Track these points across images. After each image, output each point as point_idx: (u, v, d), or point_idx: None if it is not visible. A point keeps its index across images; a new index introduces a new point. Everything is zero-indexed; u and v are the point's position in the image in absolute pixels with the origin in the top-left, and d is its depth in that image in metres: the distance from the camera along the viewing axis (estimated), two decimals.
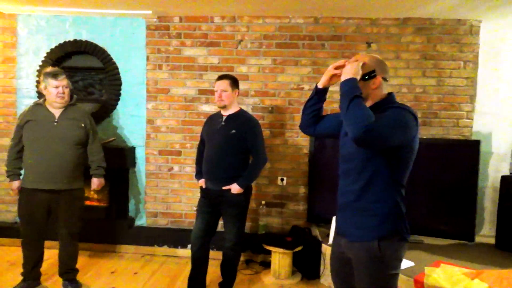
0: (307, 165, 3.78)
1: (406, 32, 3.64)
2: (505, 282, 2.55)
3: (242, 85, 3.76)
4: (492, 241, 3.40)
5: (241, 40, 3.80)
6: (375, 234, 1.69)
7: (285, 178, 3.85)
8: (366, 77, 1.69)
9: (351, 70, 1.67)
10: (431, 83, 3.65)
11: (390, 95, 1.76)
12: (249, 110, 3.79)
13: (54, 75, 2.82)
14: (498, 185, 3.41)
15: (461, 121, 3.65)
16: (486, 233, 3.65)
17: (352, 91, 1.61)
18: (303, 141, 3.81)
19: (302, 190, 3.85)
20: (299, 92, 3.78)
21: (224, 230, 2.96)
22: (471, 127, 3.64)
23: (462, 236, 3.30)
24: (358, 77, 1.66)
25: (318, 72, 3.74)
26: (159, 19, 3.84)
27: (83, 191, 3.09)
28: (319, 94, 1.94)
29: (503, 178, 3.31)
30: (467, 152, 3.31)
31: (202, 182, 2.98)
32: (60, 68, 3.52)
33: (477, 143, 3.27)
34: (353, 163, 1.75)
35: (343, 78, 1.67)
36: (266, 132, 3.80)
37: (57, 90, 2.82)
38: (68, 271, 3.04)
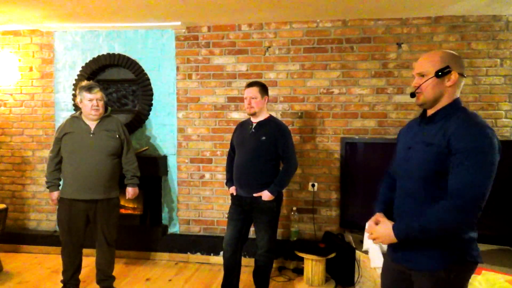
0: (338, 170, 3.73)
1: (438, 31, 3.53)
2: None
3: (271, 92, 3.76)
4: None
5: (269, 47, 3.81)
6: (441, 263, 1.53)
7: (316, 184, 3.81)
8: (440, 73, 1.55)
9: (383, 234, 1.59)
10: (466, 83, 3.52)
11: (458, 100, 1.60)
12: (278, 116, 3.79)
13: (89, 89, 2.93)
14: None
15: (499, 121, 3.50)
16: None
17: (408, 234, 1.53)
18: (334, 145, 3.76)
19: (334, 195, 3.80)
20: (328, 96, 3.74)
21: (256, 237, 2.95)
22: (511, 127, 3.48)
23: (504, 241, 3.15)
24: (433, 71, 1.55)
25: (347, 76, 3.70)
26: (188, 30, 3.92)
27: (119, 200, 3.17)
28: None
29: None
30: (508, 153, 3.15)
31: (233, 189, 2.99)
32: (94, 82, 3.67)
33: None
34: (417, 182, 1.59)
35: (386, 241, 1.59)
36: (296, 138, 3.78)
37: (91, 103, 2.92)
38: (105, 278, 3.12)
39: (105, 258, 3.11)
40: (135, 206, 4.04)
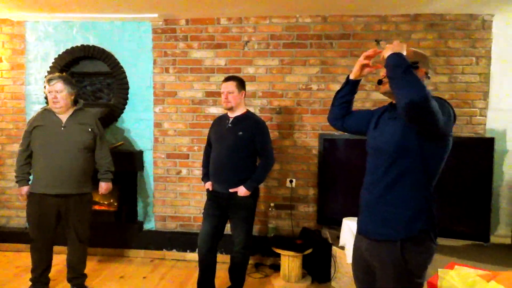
0: (316, 166, 3.73)
1: (417, 29, 3.56)
2: None
3: (250, 87, 3.73)
4: (508, 241, 3.31)
5: (248, 41, 3.77)
6: (401, 234, 1.57)
7: (294, 180, 3.79)
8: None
9: (398, 46, 1.55)
10: (443, 80, 3.56)
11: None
12: (257, 111, 3.75)
13: (48, 81, 2.84)
14: None
15: (474, 119, 3.55)
16: (502, 233, 3.53)
17: (404, 62, 1.48)
18: (312, 142, 3.75)
19: (312, 191, 3.79)
20: (307, 93, 3.73)
21: (232, 233, 2.91)
22: (485, 124, 3.54)
23: (477, 237, 3.20)
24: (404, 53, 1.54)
25: (326, 72, 3.69)
26: (165, 22, 3.83)
27: (91, 196, 3.08)
28: (351, 86, 1.86)
29: None
30: (481, 150, 3.21)
31: (209, 184, 2.95)
32: (68, 74, 3.55)
33: (491, 140, 3.17)
34: (383, 157, 1.65)
35: (387, 54, 1.54)
36: (274, 134, 3.75)
37: (51, 95, 2.83)
38: (76, 276, 3.03)
39: (76, 255, 3.01)
40: (110, 202, 3.94)
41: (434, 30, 3.55)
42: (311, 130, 3.75)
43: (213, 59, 3.82)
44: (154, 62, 3.88)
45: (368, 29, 3.62)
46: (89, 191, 3.00)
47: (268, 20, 3.73)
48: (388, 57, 1.53)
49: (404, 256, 1.55)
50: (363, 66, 1.78)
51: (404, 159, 1.59)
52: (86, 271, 3.12)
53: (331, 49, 3.68)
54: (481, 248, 3.14)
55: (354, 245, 1.84)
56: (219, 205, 2.89)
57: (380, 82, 1.69)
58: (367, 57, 1.75)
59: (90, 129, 2.95)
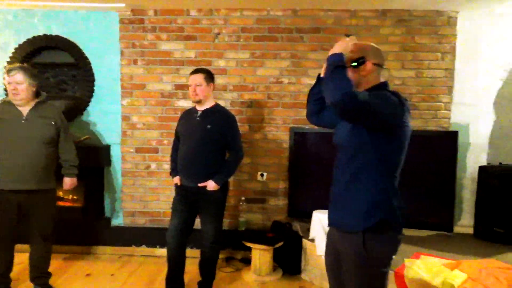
0: (287, 160, 3.73)
1: (386, 24, 3.61)
2: (484, 272, 2.53)
3: (220, 80, 3.69)
4: (471, 231, 3.43)
5: (219, 34, 3.71)
6: (361, 225, 1.61)
7: (265, 173, 3.79)
8: (355, 63, 1.63)
9: (339, 46, 1.60)
10: (410, 75, 3.64)
11: (383, 82, 1.70)
12: (227, 105, 3.71)
13: (8, 71, 2.71)
14: (476, 175, 3.43)
15: (439, 113, 3.65)
16: (466, 223, 3.66)
17: (333, 63, 1.53)
18: (283, 135, 3.76)
19: (282, 185, 3.80)
20: (278, 86, 3.72)
21: (201, 228, 2.88)
22: (449, 118, 3.65)
23: (441, 227, 3.31)
24: (346, 54, 1.59)
25: (297, 66, 3.69)
26: (133, 12, 3.72)
27: (55, 192, 2.96)
28: (322, 83, 1.86)
29: (481, 168, 3.33)
30: (446, 143, 3.31)
31: (177, 179, 2.89)
32: (30, 65, 3.39)
33: (455, 134, 3.27)
34: (344, 152, 1.72)
35: (330, 53, 1.59)
36: (245, 127, 3.73)
37: (10, 86, 2.69)
38: (40, 275, 2.92)
39: (40, 254, 2.90)
40: (76, 198, 3.81)
41: (402, 25, 3.61)
42: (282, 124, 3.75)
43: (182, 51, 3.74)
44: (122, 54, 3.76)
45: (339, 24, 3.65)
46: (52, 187, 2.88)
47: (239, 13, 3.69)
48: (327, 58, 1.59)
49: (366, 246, 1.60)
50: None
51: (361, 154, 1.64)
52: (50, 269, 3.01)
53: (302, 43, 3.68)
54: (446, 238, 3.25)
55: (327, 234, 1.89)
56: (187, 200, 2.85)
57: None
58: None
59: (53, 122, 2.83)
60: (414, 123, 3.63)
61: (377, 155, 1.61)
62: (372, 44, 1.72)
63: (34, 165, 2.73)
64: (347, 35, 3.55)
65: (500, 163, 3.38)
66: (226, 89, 3.75)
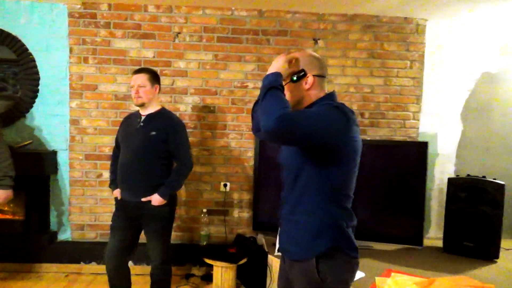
0: (252, 169, 3.52)
1: (354, 29, 3.49)
2: None
3: (181, 82, 3.43)
4: (439, 243, 3.35)
5: (179, 33, 3.45)
6: (310, 252, 1.47)
7: (228, 184, 3.56)
8: (295, 77, 1.49)
9: (275, 64, 1.47)
10: (378, 83, 3.53)
11: (329, 94, 1.56)
12: (188, 109, 3.46)
13: None
14: (444, 186, 3.37)
15: (407, 122, 3.57)
16: (434, 235, 3.61)
17: (269, 84, 1.39)
18: (247, 143, 3.54)
19: (246, 196, 3.59)
20: (243, 91, 3.50)
21: (147, 247, 2.59)
22: (418, 128, 3.58)
23: (410, 241, 3.20)
24: (283, 71, 1.45)
25: (263, 69, 3.49)
26: (84, 6, 3.38)
27: None
28: None
29: (450, 180, 3.25)
30: (415, 154, 3.21)
31: (117, 192, 2.59)
32: None
33: (424, 144, 3.17)
34: (287, 171, 1.59)
35: (267, 73, 1.45)
36: (207, 134, 3.49)
37: None
38: None
39: None
40: (16, 210, 3.41)
41: (370, 31, 3.50)
42: (247, 131, 3.54)
43: (139, 50, 3.44)
44: (71, 51, 3.41)
45: (306, 27, 3.48)
46: None
47: (201, 11, 3.44)
48: (263, 79, 1.45)
49: (319, 272, 1.46)
50: None
51: (304, 174, 1.50)
52: None
53: (268, 46, 3.49)
54: (415, 251, 3.14)
55: (280, 260, 1.73)
56: (128, 216, 2.55)
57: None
58: None
59: None
60: (382, 132, 3.53)
61: (321, 175, 1.47)
62: (312, 53, 1.57)
63: None
64: (316, 40, 3.38)
65: (469, 175, 3.32)
66: (186, 93, 3.49)
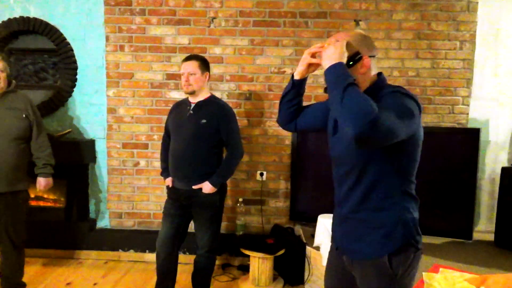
0: (289, 158, 3.41)
1: (398, 9, 3.27)
2: None
3: (216, 69, 3.35)
4: (489, 237, 3.13)
5: (214, 18, 3.36)
6: (384, 250, 1.38)
7: (265, 173, 3.46)
8: (351, 62, 1.36)
9: (334, 53, 1.31)
10: (425, 66, 3.31)
11: (380, 76, 1.44)
12: (224, 97, 3.38)
13: None
14: (495, 176, 3.14)
15: (456, 107, 3.33)
16: (483, 229, 3.37)
17: (342, 78, 1.25)
18: (285, 131, 3.41)
19: (284, 185, 3.48)
20: (280, 76, 3.38)
21: (196, 235, 2.56)
22: (468, 113, 3.33)
23: (459, 234, 3.00)
24: (345, 60, 1.32)
25: (301, 54, 3.29)
26: None
27: (27, 194, 2.64)
28: (297, 86, 1.60)
29: (504, 169, 3.01)
30: (465, 142, 2.99)
31: (169, 180, 2.57)
32: (6, 50, 3.04)
33: (476, 131, 2.95)
34: (348, 167, 1.43)
35: (326, 65, 1.30)
36: (243, 122, 3.40)
37: None
38: (12, 287, 2.59)
39: (11, 263, 2.58)
40: (57, 198, 3.48)
41: (416, 10, 3.27)
42: None
43: (174, 37, 3.39)
44: (107, 39, 3.40)
45: (346, 8, 3.30)
46: (23, 188, 2.55)
47: None
48: (326, 72, 1.31)
49: (391, 269, 1.38)
50: (310, 64, 1.50)
51: (370, 170, 1.38)
52: (25, 278, 2.71)
53: (306, 29, 3.33)
54: (464, 246, 2.95)
55: (330, 253, 1.62)
56: (180, 204, 2.53)
57: (325, 90, 1.38)
58: (314, 54, 1.48)
59: (24, 115, 2.50)
60: (429, 118, 3.32)
61: (393, 167, 1.37)
62: (362, 32, 1.45)
63: (3, 164, 2.41)
64: (357, 21, 3.17)
65: None
66: (222, 80, 3.40)
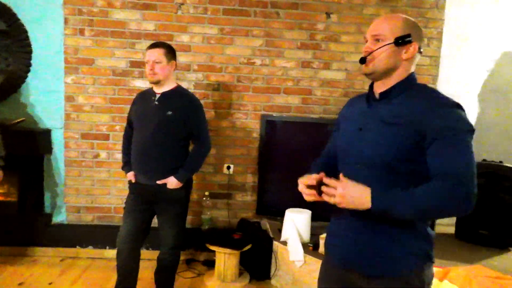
0: (257, 151, 3.35)
1: (370, 3, 3.26)
2: (474, 283, 2.32)
3: (183, 58, 3.22)
4: (450, 230, 3.22)
5: (182, 4, 3.21)
6: (406, 267, 1.25)
7: (232, 166, 3.38)
8: (400, 41, 1.24)
9: (354, 197, 1.17)
10: None
11: (414, 75, 1.33)
12: (191, 87, 3.26)
13: None
14: None
15: None
16: (444, 221, 3.45)
17: (400, 208, 1.15)
18: (253, 123, 3.35)
19: (251, 178, 3.42)
20: (249, 68, 3.30)
21: (159, 232, 2.45)
22: None
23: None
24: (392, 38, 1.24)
25: (271, 45, 3.27)
26: None
27: None
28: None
29: None
30: None
31: (131, 175, 2.43)
32: None
33: None
34: (374, 170, 1.25)
35: (356, 209, 1.18)
36: (211, 113, 3.30)
37: None
38: None
39: None
40: (8, 192, 3.24)
41: (387, 6, 3.28)
42: (252, 111, 3.35)
43: (139, 23, 3.21)
44: (66, 22, 3.18)
45: (319, 0, 3.25)
46: None
47: None
48: (375, 212, 1.17)
49: (420, 283, 1.26)
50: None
51: (400, 170, 1.23)
52: None
53: (277, 20, 3.26)
54: None
55: (324, 269, 1.45)
56: (143, 200, 2.40)
57: (363, 60, 1.30)
58: (311, 187, 1.28)
59: None
60: None
61: (424, 169, 1.21)
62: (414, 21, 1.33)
63: None
64: (328, 14, 3.12)
65: (484, 160, 3.16)
66: (189, 69, 3.28)
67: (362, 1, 3.25)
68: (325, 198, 1.22)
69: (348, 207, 1.18)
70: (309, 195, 1.29)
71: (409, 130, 1.20)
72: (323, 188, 1.22)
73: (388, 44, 1.25)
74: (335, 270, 1.39)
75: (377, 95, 1.33)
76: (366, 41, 1.32)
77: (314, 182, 1.26)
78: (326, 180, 1.22)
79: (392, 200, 1.16)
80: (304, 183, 1.30)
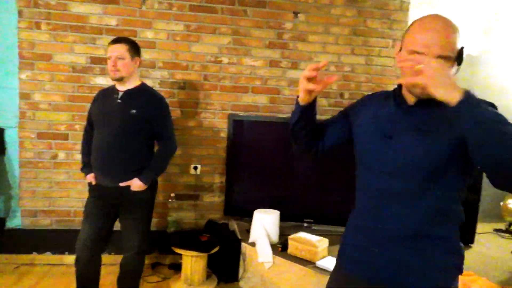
0: (225, 151, 3.29)
1: (337, 3, 3.27)
2: None
3: (147, 55, 3.11)
4: None
5: None
6: (445, 279, 1.17)
7: (199, 166, 3.31)
8: (460, 59, 1.10)
9: (445, 75, 0.97)
10: (360, 62, 3.36)
11: None
12: (156, 85, 3.15)
13: None
14: None
15: None
16: None
17: (491, 113, 0.95)
18: (220, 123, 3.29)
19: (219, 179, 3.35)
20: (216, 66, 3.23)
21: (123, 236, 2.34)
22: None
23: None
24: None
25: (239, 43, 3.22)
26: None
27: None
28: (306, 113, 1.28)
29: None
30: None
31: (91, 177, 2.31)
32: None
33: None
34: (408, 180, 1.14)
35: (442, 96, 0.95)
36: (177, 112, 3.20)
37: None
38: None
39: None
40: None
41: (353, 6, 3.30)
42: (220, 110, 3.28)
43: (100, 17, 3.07)
44: (20, 14, 2.99)
45: None
46: None
47: None
48: (458, 108, 0.94)
49: None
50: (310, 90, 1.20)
51: (440, 180, 1.12)
52: None
53: (244, 18, 3.21)
54: None
55: (339, 284, 1.33)
56: (105, 203, 2.29)
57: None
58: (311, 79, 1.17)
59: None
60: None
61: (462, 175, 1.13)
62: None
63: None
64: (296, 13, 3.10)
65: None
66: (154, 66, 3.17)
67: (329, 1, 3.26)
68: (405, 78, 1.01)
69: (436, 88, 0.94)
70: (304, 83, 1.16)
71: (448, 137, 1.09)
72: (408, 62, 1.03)
73: (453, 65, 1.09)
74: (356, 285, 1.25)
75: (409, 102, 1.19)
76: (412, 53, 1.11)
77: (314, 73, 1.14)
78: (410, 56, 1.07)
79: (481, 102, 0.99)
80: (306, 75, 1.15)
